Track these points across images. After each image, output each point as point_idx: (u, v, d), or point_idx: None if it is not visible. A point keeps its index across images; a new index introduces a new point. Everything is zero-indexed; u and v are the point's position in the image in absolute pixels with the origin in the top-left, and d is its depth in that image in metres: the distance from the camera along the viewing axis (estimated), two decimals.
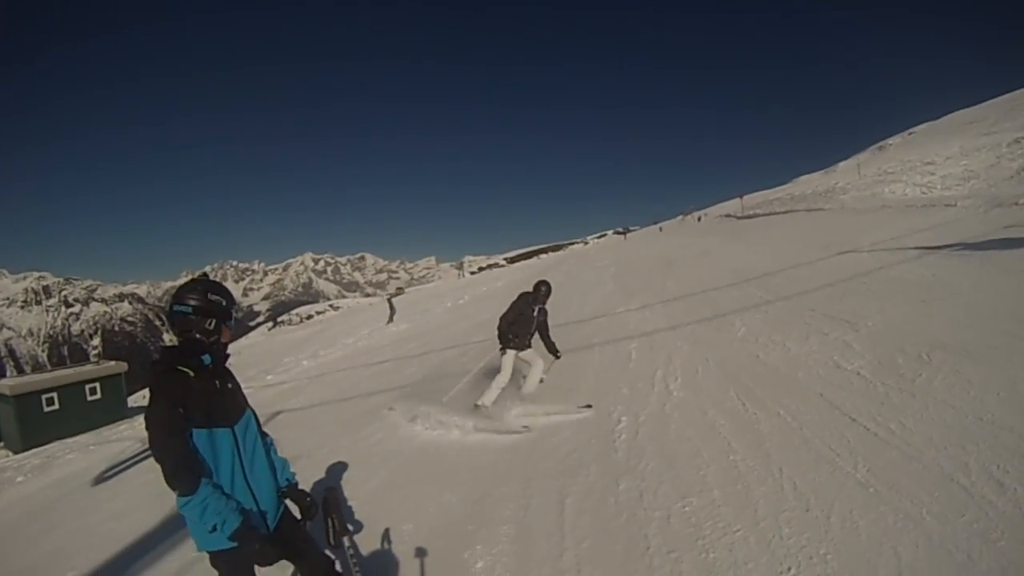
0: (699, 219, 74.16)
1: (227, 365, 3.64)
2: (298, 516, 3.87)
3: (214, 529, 3.16)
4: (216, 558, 3.43)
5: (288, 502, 3.83)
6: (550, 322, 9.25)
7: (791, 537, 4.28)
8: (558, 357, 9.20)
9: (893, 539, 4.05)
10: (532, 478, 6.35)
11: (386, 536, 5.61)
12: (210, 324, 3.46)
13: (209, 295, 3.47)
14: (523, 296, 8.97)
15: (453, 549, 5.23)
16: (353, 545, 3.83)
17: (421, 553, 5.11)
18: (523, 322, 8.87)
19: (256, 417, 3.72)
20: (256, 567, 3.61)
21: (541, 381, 9.02)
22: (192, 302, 3.43)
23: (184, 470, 3.14)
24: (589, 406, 8.15)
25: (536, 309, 8.93)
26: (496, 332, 9.05)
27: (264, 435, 3.77)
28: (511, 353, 8.88)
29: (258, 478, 3.54)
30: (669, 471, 5.81)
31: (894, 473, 4.86)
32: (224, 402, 3.44)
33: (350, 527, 3.66)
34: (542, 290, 8.90)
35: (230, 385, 3.55)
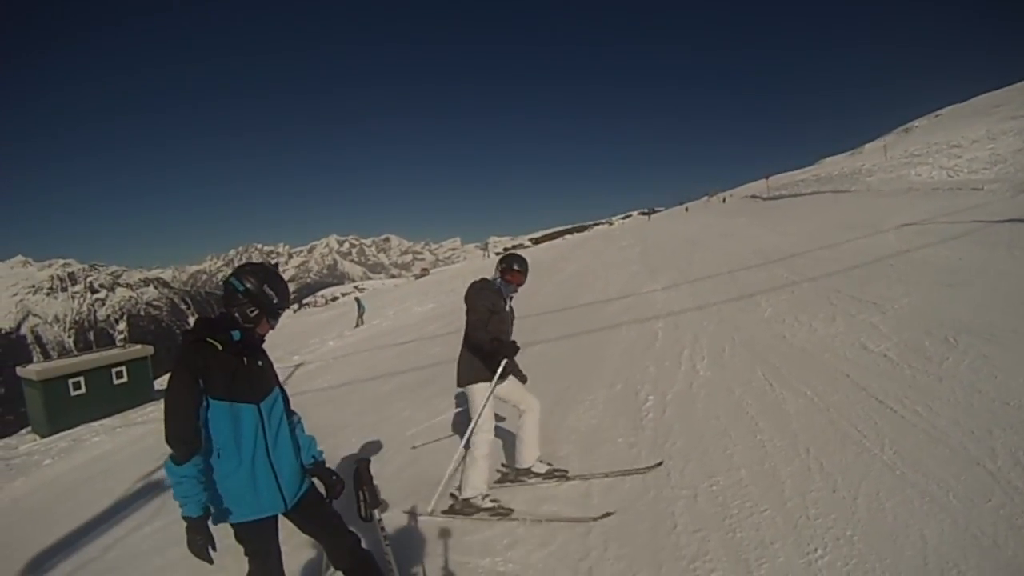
0: (724, 200, 73.72)
1: (262, 347, 3.69)
2: (324, 494, 3.91)
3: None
4: (240, 529, 3.53)
5: (316, 480, 3.89)
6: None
7: (818, 518, 4.30)
8: (524, 381, 6.34)
9: (920, 522, 4.05)
10: (557, 455, 6.39)
11: (413, 513, 5.66)
12: (252, 312, 3.47)
13: (265, 286, 3.48)
14: (484, 284, 5.98)
15: (479, 526, 5.28)
16: (382, 520, 3.84)
17: (445, 534, 5.15)
18: (498, 322, 5.87)
19: (285, 396, 3.80)
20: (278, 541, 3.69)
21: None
22: (248, 284, 3.45)
23: (178, 441, 3.25)
24: (660, 463, 5.75)
25: (511, 298, 6.10)
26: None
27: (292, 414, 3.84)
28: (483, 387, 5.82)
29: (280, 456, 3.58)
30: (696, 450, 5.85)
31: (921, 456, 4.87)
32: (250, 378, 3.49)
33: (382, 499, 3.69)
34: (515, 267, 5.92)
35: (260, 363, 3.61)
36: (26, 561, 7.59)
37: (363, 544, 3.97)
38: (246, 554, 3.60)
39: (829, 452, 5.23)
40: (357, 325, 27.76)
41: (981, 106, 68.93)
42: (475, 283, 5.99)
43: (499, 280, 5.96)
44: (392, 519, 5.62)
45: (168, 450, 3.25)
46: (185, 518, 3.22)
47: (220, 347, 3.35)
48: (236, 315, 3.47)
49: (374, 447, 7.69)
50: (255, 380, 3.52)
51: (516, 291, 6.04)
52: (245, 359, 3.48)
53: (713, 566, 4.01)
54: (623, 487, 5.45)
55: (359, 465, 3.88)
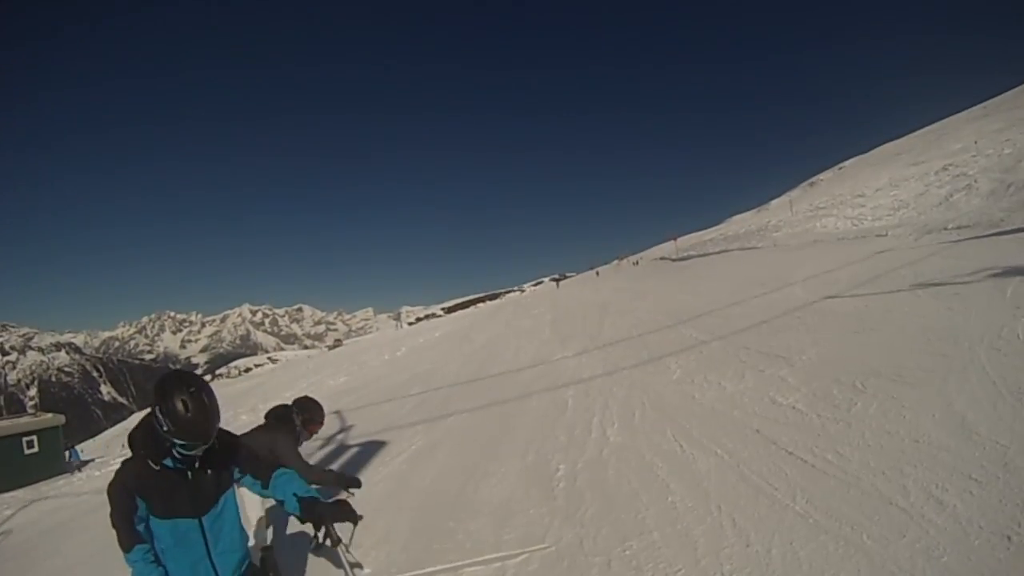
0: (635, 263, 74.81)
1: (216, 449, 3.39)
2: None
3: None
4: None
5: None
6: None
7: (732, 573, 4.22)
8: None
9: (835, 566, 4.00)
10: (469, 528, 6.27)
11: None
12: (168, 446, 3.15)
13: (191, 427, 3.09)
14: (289, 431, 5.97)
15: None
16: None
17: None
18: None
19: (253, 475, 3.58)
20: None
21: None
22: (170, 425, 3.05)
23: (121, 532, 3.14)
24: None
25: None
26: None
27: (271, 475, 3.60)
28: None
29: (222, 552, 3.43)
30: (608, 515, 5.73)
31: (833, 501, 4.83)
32: (193, 494, 3.31)
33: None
34: (319, 421, 6.33)
35: (209, 472, 3.37)
36: None
37: None
38: None
39: (741, 507, 5.14)
40: (73, 473, 20.71)
41: (884, 155, 71.70)
42: (281, 431, 5.89)
43: (299, 428, 6.11)
44: None
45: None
46: None
47: (157, 467, 3.21)
48: (167, 444, 3.16)
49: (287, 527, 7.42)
50: (199, 494, 3.33)
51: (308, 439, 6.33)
52: (190, 473, 3.30)
53: None
54: (536, 559, 5.28)
55: (264, 554, 3.98)
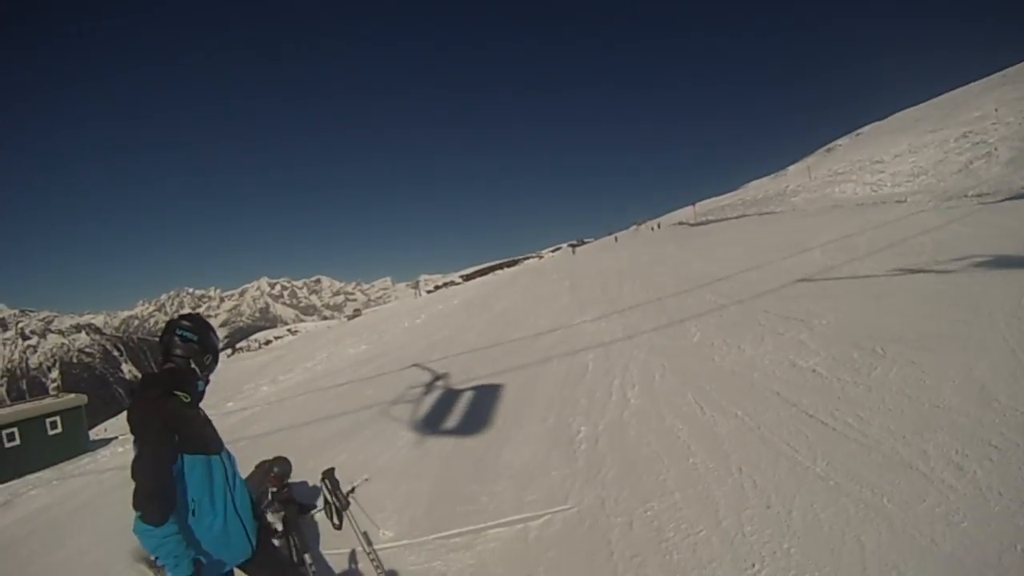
0: (652, 229, 74.52)
1: None
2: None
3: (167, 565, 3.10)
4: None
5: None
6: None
7: (753, 534, 4.25)
8: None
9: (855, 528, 4.04)
10: (492, 491, 6.34)
11: (352, 557, 5.54)
12: (208, 360, 3.58)
13: (211, 334, 3.61)
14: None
15: (420, 559, 5.26)
16: (313, 565, 3.78)
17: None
18: None
19: None
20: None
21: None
22: (198, 334, 3.53)
23: (159, 499, 3.06)
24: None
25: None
26: None
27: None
28: None
29: (242, 502, 3.54)
30: (629, 477, 5.77)
31: (853, 465, 4.85)
32: (212, 431, 3.52)
33: (314, 546, 3.59)
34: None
35: (204, 414, 3.59)
36: None
37: None
38: None
39: (762, 469, 5.17)
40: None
41: (902, 122, 71.01)
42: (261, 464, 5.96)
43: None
44: (334, 559, 5.58)
45: (132, 512, 3.06)
46: None
47: (187, 399, 3.29)
48: (194, 366, 3.49)
49: (312, 494, 7.49)
50: (213, 432, 3.53)
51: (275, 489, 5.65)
52: (202, 412, 3.50)
53: None
54: (558, 520, 5.34)
55: (287, 513, 3.99)
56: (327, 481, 4.19)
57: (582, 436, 7.19)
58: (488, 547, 5.25)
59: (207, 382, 3.64)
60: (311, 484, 7.67)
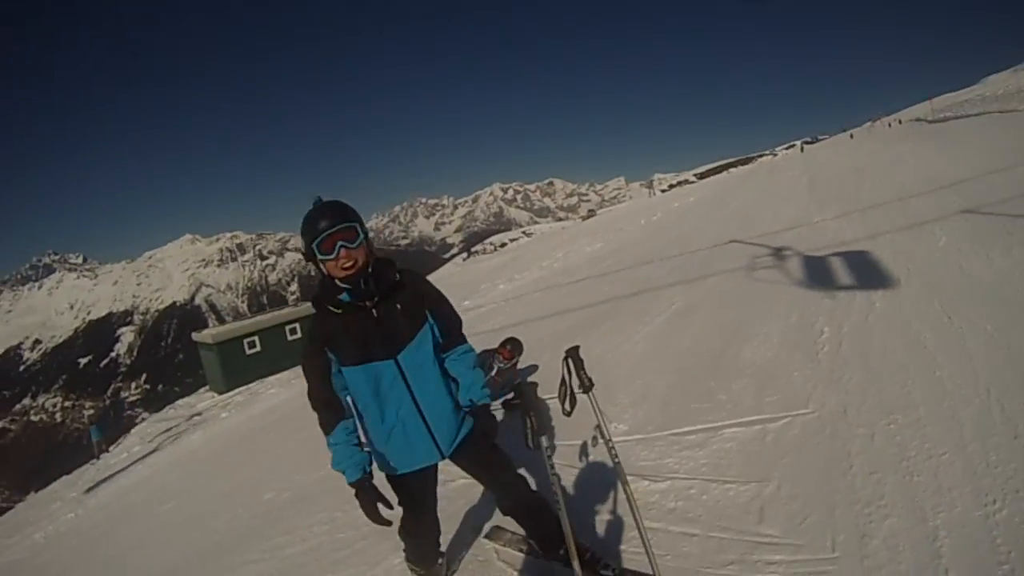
0: (888, 125, 70.31)
1: (401, 283, 3.42)
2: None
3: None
4: (394, 481, 3.63)
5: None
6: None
7: (997, 466, 4.10)
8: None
9: None
10: (731, 388, 6.47)
11: (583, 449, 5.83)
12: (321, 263, 3.19)
13: (302, 229, 3.18)
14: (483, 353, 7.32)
15: (653, 454, 5.51)
16: (550, 448, 3.65)
17: (618, 461, 5.27)
18: None
19: (447, 326, 3.59)
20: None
21: None
22: (303, 229, 3.19)
23: (320, 411, 3.33)
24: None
25: (497, 368, 7.31)
26: None
27: (457, 345, 3.61)
28: None
29: (431, 403, 3.45)
30: (873, 385, 5.73)
31: None
32: (383, 333, 3.30)
33: (552, 425, 3.52)
34: (507, 347, 7.43)
35: (399, 306, 3.36)
36: (203, 506, 8.23)
37: (533, 486, 3.98)
38: (400, 504, 3.64)
39: (1011, 394, 4.94)
40: (98, 455, 17.95)
41: None
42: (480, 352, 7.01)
43: (496, 351, 7.36)
44: (564, 452, 5.88)
45: None
46: (349, 485, 3.26)
47: (338, 311, 3.25)
48: (323, 270, 3.24)
49: (545, 381, 7.78)
50: (389, 333, 3.32)
51: (504, 364, 7.30)
52: (375, 311, 3.29)
53: (888, 511, 3.97)
54: (798, 424, 5.43)
55: (524, 388, 3.64)
56: (570, 360, 3.80)
57: (825, 337, 7.17)
58: (723, 447, 5.38)
59: (357, 275, 3.19)
60: (545, 371, 8.09)
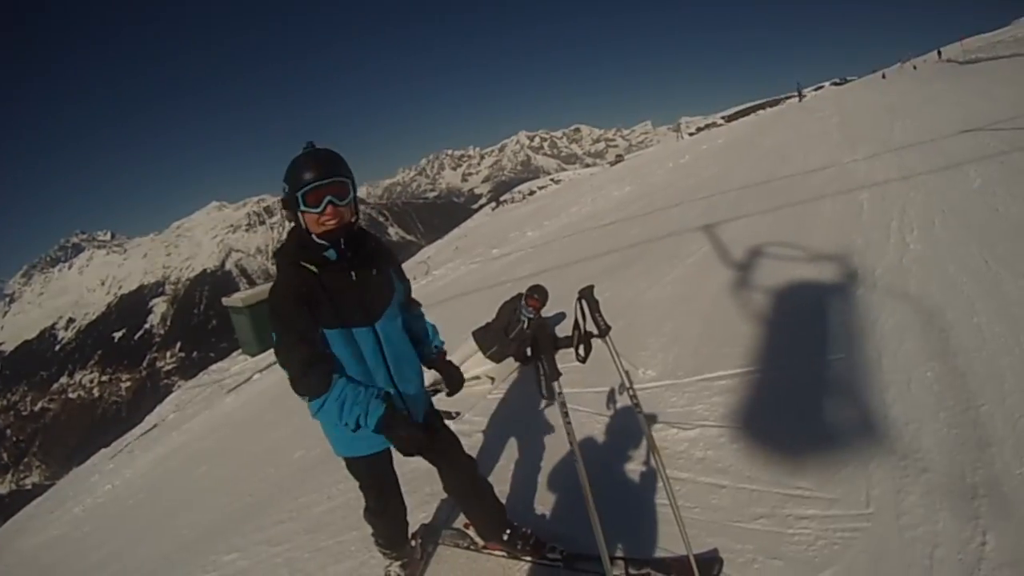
0: (914, 68, 69.34)
1: (375, 249, 3.24)
2: (445, 391, 3.76)
3: (358, 426, 2.90)
4: (353, 464, 3.46)
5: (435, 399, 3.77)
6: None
7: None
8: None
9: None
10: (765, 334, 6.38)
11: (611, 396, 5.78)
12: (301, 214, 2.92)
13: (288, 174, 2.89)
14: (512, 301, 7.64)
15: (681, 400, 5.45)
16: (563, 394, 3.23)
17: (650, 418, 5.18)
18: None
19: (404, 299, 3.47)
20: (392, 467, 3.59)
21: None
22: (287, 175, 2.90)
23: (312, 371, 2.86)
24: None
25: (528, 319, 7.44)
26: None
27: (411, 306, 3.55)
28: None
29: (404, 374, 3.31)
30: (910, 330, 5.57)
31: None
32: (363, 297, 3.09)
33: (561, 372, 3.28)
34: (535, 296, 7.43)
35: (375, 272, 3.18)
36: (236, 469, 8.24)
37: (478, 471, 3.89)
38: (361, 488, 3.60)
39: None
40: None
41: None
42: (510, 299, 7.67)
43: (523, 300, 7.45)
44: (575, 396, 5.80)
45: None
46: (380, 425, 2.87)
47: (316, 270, 2.96)
48: (300, 222, 2.95)
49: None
50: (369, 298, 3.13)
51: (533, 314, 7.38)
52: (354, 273, 3.07)
53: (925, 465, 3.82)
54: (832, 369, 5.31)
55: (536, 332, 3.36)
56: (583, 301, 3.60)
57: (859, 279, 7.04)
58: (755, 393, 5.31)
59: (339, 233, 2.94)
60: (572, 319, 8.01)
